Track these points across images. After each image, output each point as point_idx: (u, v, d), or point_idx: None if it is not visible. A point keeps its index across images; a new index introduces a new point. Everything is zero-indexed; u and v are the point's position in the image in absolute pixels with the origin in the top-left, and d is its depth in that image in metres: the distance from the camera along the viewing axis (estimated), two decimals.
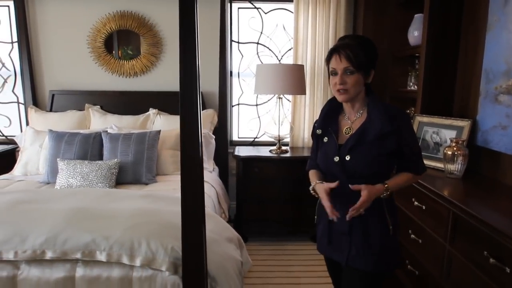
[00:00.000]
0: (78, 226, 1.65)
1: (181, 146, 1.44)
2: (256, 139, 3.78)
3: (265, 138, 3.70)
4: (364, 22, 3.29)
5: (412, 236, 2.32)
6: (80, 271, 1.62)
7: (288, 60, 3.66)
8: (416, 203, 2.28)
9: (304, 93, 3.32)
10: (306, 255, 3.09)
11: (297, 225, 3.35)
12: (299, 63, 3.48)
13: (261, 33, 3.63)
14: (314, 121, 1.67)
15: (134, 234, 1.63)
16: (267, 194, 3.29)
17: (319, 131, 1.57)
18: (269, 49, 3.67)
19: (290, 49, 3.64)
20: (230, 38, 3.61)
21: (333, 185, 1.49)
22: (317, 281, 2.69)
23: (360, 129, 1.48)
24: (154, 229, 1.68)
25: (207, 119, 3.44)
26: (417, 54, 2.87)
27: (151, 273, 1.61)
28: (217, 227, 1.90)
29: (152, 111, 3.46)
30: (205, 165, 3.16)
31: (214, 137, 3.37)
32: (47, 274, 1.61)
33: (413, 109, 2.98)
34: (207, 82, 3.56)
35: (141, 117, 3.41)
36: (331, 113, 1.59)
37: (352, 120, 1.55)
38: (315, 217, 1.70)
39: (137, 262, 1.58)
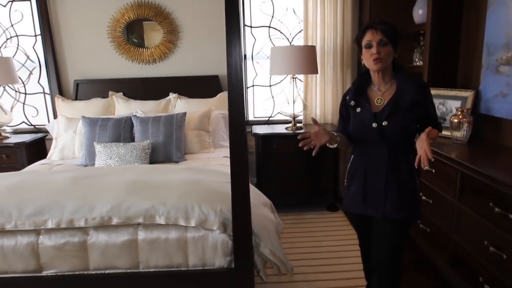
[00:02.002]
0: (138, 195, 1.89)
1: (230, 121, 1.66)
2: (271, 118, 4.00)
3: (279, 117, 3.94)
4: (370, 2, 3.47)
5: (424, 197, 2.58)
6: (141, 234, 1.87)
7: (299, 42, 3.86)
8: (426, 167, 2.53)
9: (316, 73, 3.53)
10: (324, 222, 3.36)
11: (314, 196, 3.61)
12: (310, 44, 3.68)
13: (272, 16, 3.82)
14: (343, 94, 1.87)
15: (187, 200, 1.87)
16: (285, 168, 3.53)
17: (352, 103, 1.76)
18: (281, 32, 3.86)
19: (300, 31, 3.83)
20: (243, 22, 3.79)
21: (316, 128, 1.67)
22: (337, 243, 2.97)
23: (393, 98, 1.69)
24: (203, 195, 1.93)
25: (224, 101, 3.65)
26: (422, 32, 3.07)
27: (203, 233, 1.86)
28: (253, 193, 2.13)
29: (172, 96, 3.67)
30: (225, 143, 3.40)
31: None
32: (113, 238, 1.86)
33: None
34: (222, 65, 3.76)
35: (163, 101, 3.62)
36: (361, 86, 1.79)
37: (382, 91, 1.74)
38: (345, 180, 1.92)
39: (192, 223, 1.82)
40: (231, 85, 1.66)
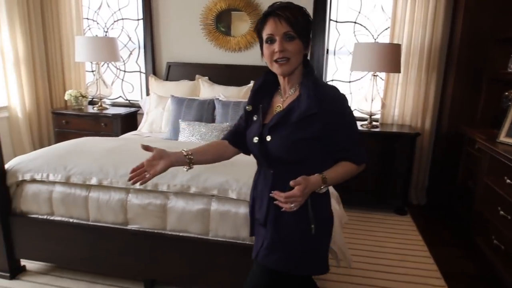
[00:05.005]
0: (214, 169, 2.07)
1: None
2: None
3: (355, 114, 3.90)
4: (466, 1, 3.29)
5: (501, 212, 2.44)
6: (214, 205, 2.05)
7: (384, 39, 3.79)
8: (508, 181, 2.39)
9: (399, 72, 3.45)
10: (390, 224, 3.31)
11: (382, 197, 3.56)
12: (395, 42, 3.60)
13: (359, 12, 3.79)
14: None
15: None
16: None
17: (248, 108, 1.40)
18: (366, 28, 3.82)
19: (386, 29, 3.76)
20: (329, 17, 3.82)
21: (149, 148, 1.33)
22: (400, 247, 2.92)
23: (287, 107, 1.30)
24: None
25: None
26: None
27: None
28: None
29: (253, 83, 3.83)
30: None
31: None
32: (190, 205, 2.08)
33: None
34: None
35: (244, 88, 3.81)
36: (265, 88, 1.40)
37: (285, 97, 1.36)
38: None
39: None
40: None
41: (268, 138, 1.29)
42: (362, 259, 2.71)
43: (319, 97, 1.25)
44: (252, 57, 3.98)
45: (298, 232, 1.30)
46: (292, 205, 1.22)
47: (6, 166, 2.33)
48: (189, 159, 1.36)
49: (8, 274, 2.36)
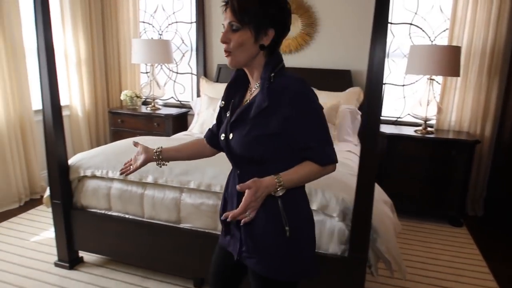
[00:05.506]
0: None
1: (365, 114, 1.71)
2: (399, 119, 3.86)
3: (407, 119, 3.78)
4: None
5: None
6: None
7: (441, 41, 3.62)
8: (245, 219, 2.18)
9: (458, 75, 3.28)
10: (444, 236, 3.15)
11: (435, 207, 3.40)
12: (454, 44, 3.43)
13: (415, 13, 3.65)
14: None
15: (311, 184, 1.97)
16: (408, 172, 3.40)
17: (221, 104, 1.34)
18: (422, 30, 3.67)
19: (444, 30, 3.59)
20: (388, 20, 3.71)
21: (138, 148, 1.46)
22: (456, 260, 2.77)
23: (248, 103, 1.24)
24: (326, 181, 1.98)
25: (353, 96, 3.65)
26: None
27: (322, 218, 1.96)
28: (375, 189, 2.15)
29: None
30: (349, 138, 3.41)
31: (360, 113, 3.57)
32: None
33: None
34: (355, 61, 3.76)
35: None
36: (238, 83, 1.32)
37: (252, 92, 1.28)
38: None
39: (314, 206, 1.93)
40: (371, 81, 1.71)
41: (231, 135, 1.24)
42: (414, 270, 2.60)
43: (278, 90, 1.16)
44: (302, 59, 3.95)
45: (271, 235, 1.22)
46: (247, 213, 1.14)
47: (69, 162, 2.46)
48: (157, 156, 1.44)
49: (67, 264, 2.50)
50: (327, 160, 1.20)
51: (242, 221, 1.16)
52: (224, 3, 1.19)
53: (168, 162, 1.47)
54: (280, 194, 1.18)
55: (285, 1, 1.21)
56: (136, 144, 1.49)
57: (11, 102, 3.33)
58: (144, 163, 1.45)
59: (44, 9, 2.13)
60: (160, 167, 1.47)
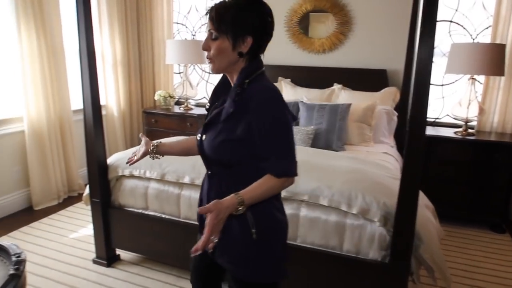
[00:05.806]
0: (306, 174, 2.04)
1: (410, 115, 1.65)
2: (437, 120, 3.73)
3: (447, 119, 3.64)
4: None
5: None
6: (304, 211, 2.02)
7: (484, 39, 3.47)
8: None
9: (502, 75, 3.13)
10: (486, 243, 3.02)
11: (476, 212, 3.26)
12: (498, 42, 3.27)
13: (456, 10, 3.51)
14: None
15: (351, 187, 1.94)
16: (447, 175, 3.27)
17: (207, 106, 1.38)
18: (463, 28, 3.53)
19: (487, 28, 3.44)
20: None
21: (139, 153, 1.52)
22: (500, 269, 2.65)
23: (222, 107, 1.27)
24: (367, 185, 1.97)
25: (389, 96, 3.55)
26: None
27: (362, 222, 1.91)
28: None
29: (337, 86, 3.74)
30: (385, 139, 3.32)
31: (396, 114, 3.47)
32: None
33: None
34: (391, 60, 3.66)
35: (327, 91, 3.72)
36: (224, 87, 1.33)
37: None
38: None
39: (354, 210, 1.88)
40: (417, 80, 1.65)
41: (204, 137, 1.28)
42: (458, 279, 2.49)
43: (247, 97, 1.18)
44: (336, 59, 3.88)
45: (239, 236, 1.23)
46: (212, 237, 1.12)
47: (108, 161, 2.51)
48: (152, 149, 1.50)
49: (105, 262, 2.55)
50: (282, 173, 1.18)
51: (210, 246, 1.13)
52: (206, 12, 1.24)
53: (162, 156, 1.53)
54: (241, 212, 1.17)
55: (264, 9, 1.25)
56: (142, 137, 1.58)
57: (51, 102, 3.43)
58: (143, 155, 1.53)
59: (86, 14, 2.18)
60: (153, 159, 1.52)
